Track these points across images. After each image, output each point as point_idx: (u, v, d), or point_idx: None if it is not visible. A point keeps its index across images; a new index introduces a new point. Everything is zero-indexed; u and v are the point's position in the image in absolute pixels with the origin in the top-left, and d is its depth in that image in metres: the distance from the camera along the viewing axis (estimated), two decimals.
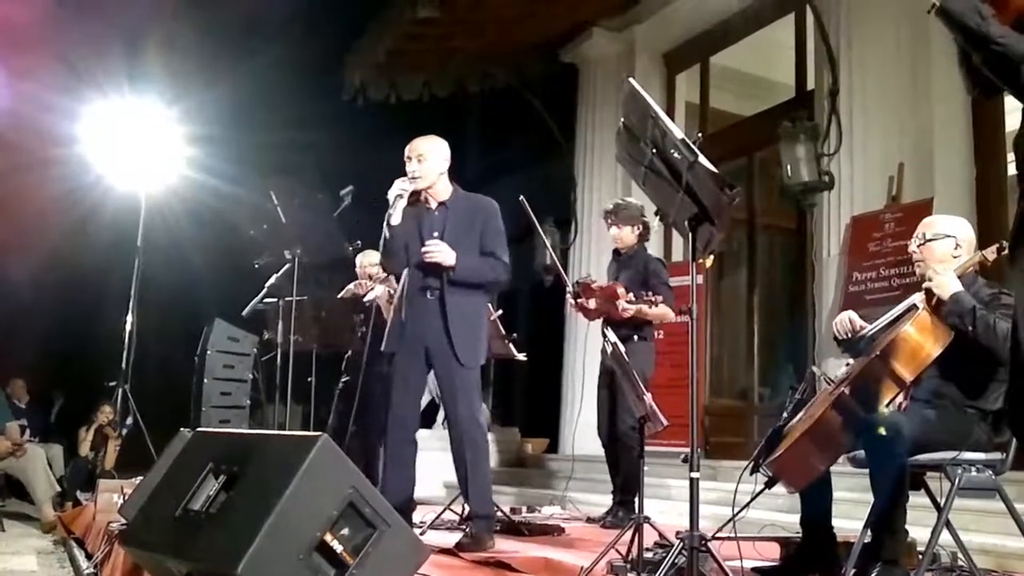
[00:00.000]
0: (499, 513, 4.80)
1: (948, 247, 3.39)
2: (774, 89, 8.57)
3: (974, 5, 2.20)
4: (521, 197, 4.73)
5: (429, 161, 4.18)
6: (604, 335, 3.94)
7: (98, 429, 8.43)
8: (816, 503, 3.45)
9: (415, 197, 4.22)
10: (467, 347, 4.17)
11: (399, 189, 4.12)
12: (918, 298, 3.29)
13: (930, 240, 3.42)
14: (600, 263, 7.59)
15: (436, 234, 4.16)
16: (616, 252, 5.48)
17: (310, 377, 5.63)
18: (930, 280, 3.25)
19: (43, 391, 10.77)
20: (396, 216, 4.09)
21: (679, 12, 8.84)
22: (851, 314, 3.56)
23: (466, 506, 4.53)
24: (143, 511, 3.02)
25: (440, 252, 4.09)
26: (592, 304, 5.17)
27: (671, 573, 2.88)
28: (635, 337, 5.10)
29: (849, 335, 3.50)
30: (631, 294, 4.97)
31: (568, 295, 5.26)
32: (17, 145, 9.20)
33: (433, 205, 4.25)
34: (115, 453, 8.09)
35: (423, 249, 4.10)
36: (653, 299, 4.84)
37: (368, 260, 6.08)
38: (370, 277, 5.88)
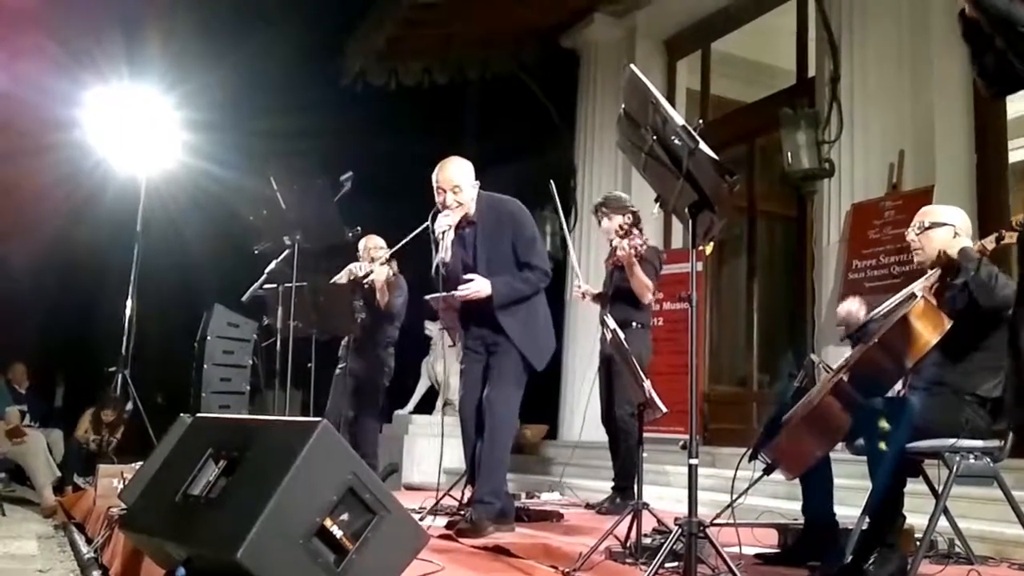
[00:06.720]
0: (517, 504, 4.79)
1: (947, 235, 3.41)
2: (775, 76, 8.54)
3: None
4: (551, 183, 4.98)
5: (464, 192, 4.20)
6: (603, 322, 3.94)
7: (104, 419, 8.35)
8: (818, 491, 3.47)
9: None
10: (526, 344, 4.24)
11: (444, 225, 4.13)
12: (917, 287, 3.31)
13: (929, 228, 3.43)
14: (599, 250, 7.58)
15: (470, 254, 4.23)
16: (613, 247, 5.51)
17: (310, 363, 5.62)
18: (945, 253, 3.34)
19: (44, 376, 10.75)
20: (447, 253, 4.11)
21: None
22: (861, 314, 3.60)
23: (466, 491, 4.55)
24: (143, 496, 3.03)
25: (475, 290, 4.14)
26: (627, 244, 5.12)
27: (669, 559, 2.90)
28: (633, 324, 5.13)
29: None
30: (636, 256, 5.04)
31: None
32: (16, 129, 9.17)
33: (465, 224, 4.27)
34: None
35: (458, 295, 4.15)
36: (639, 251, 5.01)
37: (373, 243, 6.07)
38: (372, 260, 5.88)
